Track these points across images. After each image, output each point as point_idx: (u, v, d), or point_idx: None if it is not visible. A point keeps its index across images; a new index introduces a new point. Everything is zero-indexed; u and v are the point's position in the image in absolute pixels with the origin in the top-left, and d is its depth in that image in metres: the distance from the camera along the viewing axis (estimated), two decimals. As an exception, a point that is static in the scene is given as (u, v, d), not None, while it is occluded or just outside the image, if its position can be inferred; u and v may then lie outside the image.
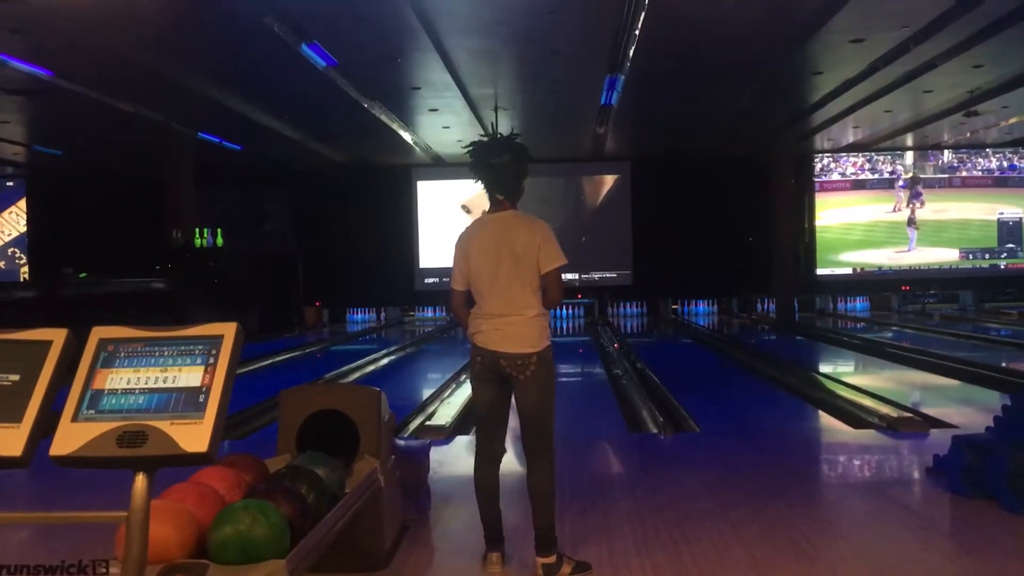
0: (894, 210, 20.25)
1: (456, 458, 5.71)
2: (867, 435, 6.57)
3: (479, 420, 3.80)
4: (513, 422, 3.77)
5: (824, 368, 11.86)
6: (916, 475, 5.32)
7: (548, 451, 3.63)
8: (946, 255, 20.21)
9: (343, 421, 3.79)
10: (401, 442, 4.64)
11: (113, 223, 19.47)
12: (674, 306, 21.05)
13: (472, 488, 3.77)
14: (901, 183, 20.26)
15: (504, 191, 3.65)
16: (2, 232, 21.04)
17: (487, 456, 3.72)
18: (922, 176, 20.28)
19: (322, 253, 20.23)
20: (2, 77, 10.80)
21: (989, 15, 9.37)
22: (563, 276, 3.63)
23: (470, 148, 3.71)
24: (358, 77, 11.79)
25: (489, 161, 3.63)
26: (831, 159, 20.36)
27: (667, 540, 4.01)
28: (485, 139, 3.70)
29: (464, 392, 8.77)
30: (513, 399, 3.67)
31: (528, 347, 3.53)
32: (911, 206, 20.18)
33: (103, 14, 8.82)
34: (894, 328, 16.79)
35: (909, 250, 20.21)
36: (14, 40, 9.65)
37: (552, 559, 3.58)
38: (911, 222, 20.19)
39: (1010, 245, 20.14)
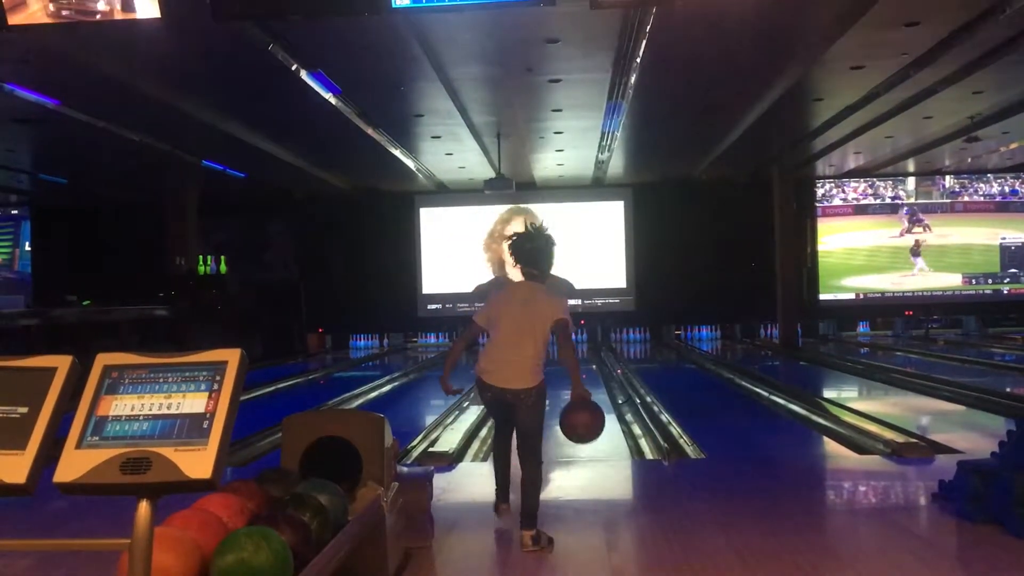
0: (900, 235, 20.29)
1: (459, 485, 5.70)
2: (872, 461, 6.54)
3: (495, 424, 4.94)
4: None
5: (828, 393, 11.81)
6: (922, 501, 5.29)
7: (538, 454, 4.58)
8: (949, 280, 20.20)
9: (346, 448, 3.78)
10: (404, 469, 4.63)
11: (117, 250, 19.52)
12: (677, 332, 21.02)
13: (475, 516, 4.30)
14: (906, 210, 20.30)
15: (537, 267, 4.70)
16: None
17: (503, 435, 4.80)
18: (924, 201, 20.33)
19: (325, 280, 20.26)
20: (9, 106, 10.88)
21: (988, 42, 9.43)
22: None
23: (513, 240, 4.76)
24: (362, 105, 11.87)
25: (526, 246, 4.69)
26: (833, 184, 20.41)
27: (670, 566, 3.98)
28: (521, 234, 4.74)
29: (467, 419, 8.76)
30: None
31: (528, 384, 4.47)
32: (914, 234, 20.21)
33: (110, 44, 8.90)
34: (898, 353, 16.75)
35: (914, 273, 20.19)
36: (22, 70, 9.74)
37: (534, 532, 4.36)
38: (915, 252, 20.20)
39: (1013, 270, 20.14)
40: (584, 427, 4.60)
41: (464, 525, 4.88)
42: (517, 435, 4.62)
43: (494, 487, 4.93)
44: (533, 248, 4.69)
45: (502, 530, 4.78)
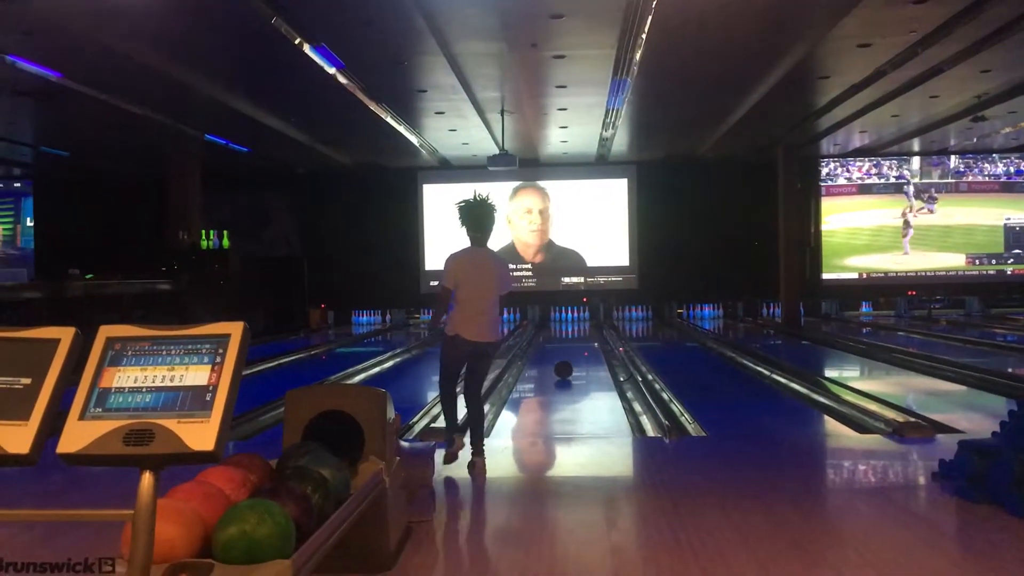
0: (913, 213, 20.23)
1: (461, 461, 5.70)
2: (873, 440, 6.55)
3: (449, 374, 5.61)
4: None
5: (830, 373, 11.83)
6: (922, 480, 5.30)
7: (481, 391, 5.68)
8: (952, 260, 20.17)
9: (349, 422, 3.79)
10: (406, 444, 4.65)
11: (119, 224, 19.52)
12: (679, 310, 21.02)
13: (477, 491, 4.33)
14: (918, 187, 20.23)
15: (481, 230, 5.53)
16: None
17: (454, 381, 5.62)
18: (928, 181, 20.27)
19: (328, 255, 20.26)
20: (12, 78, 10.84)
21: (997, 19, 9.35)
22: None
23: (461, 205, 5.54)
24: (365, 80, 11.82)
25: (473, 212, 5.49)
26: (838, 163, 20.33)
27: (671, 543, 4.00)
28: (469, 200, 5.54)
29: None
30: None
31: (496, 337, 5.54)
32: (919, 214, 20.18)
33: (112, 17, 8.85)
34: (900, 333, 16.75)
35: (906, 252, 20.20)
36: (24, 42, 9.69)
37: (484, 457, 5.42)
38: (907, 224, 20.19)
39: (1017, 250, 20.10)
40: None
41: (466, 500, 4.91)
42: (472, 378, 5.54)
43: (446, 426, 5.68)
44: (480, 214, 5.49)
45: (503, 506, 4.81)
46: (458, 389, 5.75)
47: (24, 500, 4.74)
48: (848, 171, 20.40)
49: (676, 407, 8.04)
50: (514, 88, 12.47)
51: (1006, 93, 13.04)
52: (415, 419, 7.67)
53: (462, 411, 5.74)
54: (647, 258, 20.44)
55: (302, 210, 20.89)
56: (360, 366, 12.03)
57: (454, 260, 5.47)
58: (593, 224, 20.47)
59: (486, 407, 8.24)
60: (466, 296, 5.36)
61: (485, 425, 7.51)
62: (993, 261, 20.17)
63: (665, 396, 8.71)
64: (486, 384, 9.45)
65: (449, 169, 19.91)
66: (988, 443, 4.74)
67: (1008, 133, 17.19)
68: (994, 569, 3.71)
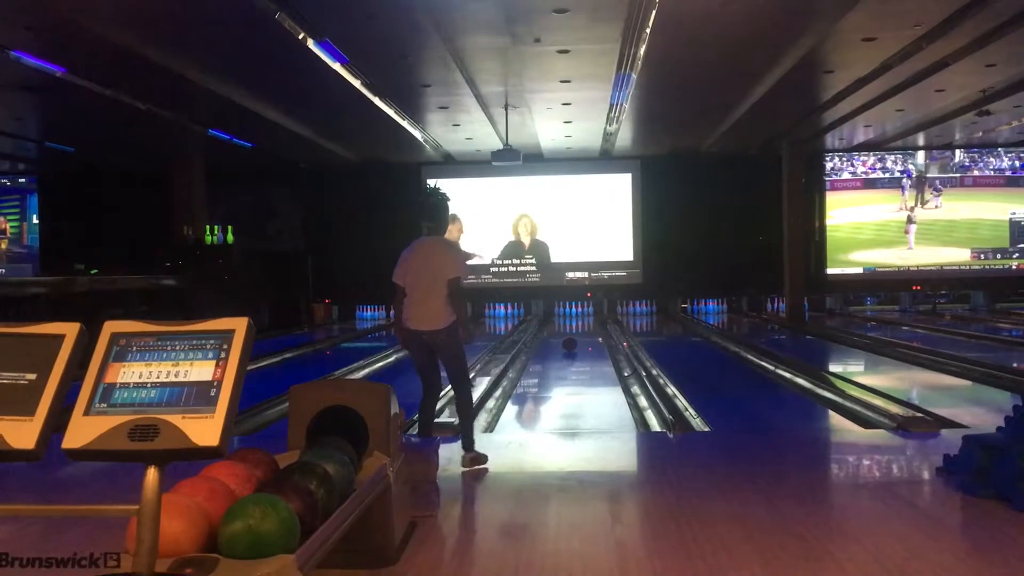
0: (921, 206, 20.19)
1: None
2: (877, 435, 6.55)
3: (419, 372, 5.60)
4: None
5: (834, 368, 11.82)
6: (926, 475, 5.30)
7: (465, 382, 5.60)
8: (957, 255, 20.12)
9: (353, 417, 3.79)
10: (410, 439, 4.65)
11: (124, 219, 19.53)
12: (684, 305, 21.01)
13: (481, 487, 4.40)
14: (926, 181, 20.18)
15: (434, 220, 5.61)
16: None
17: (430, 395, 5.62)
18: (933, 175, 20.21)
19: (332, 250, 20.25)
20: (16, 74, 10.85)
21: (1003, 13, 9.31)
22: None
23: (417, 199, 5.63)
24: (368, 75, 11.80)
25: (424, 202, 5.65)
26: (842, 158, 20.28)
27: (676, 538, 4.00)
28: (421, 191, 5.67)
29: (473, 392, 8.77)
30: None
31: (439, 324, 5.38)
32: (926, 209, 20.14)
33: (116, 11, 8.85)
34: (905, 328, 16.73)
35: (911, 247, 20.16)
36: (28, 37, 9.69)
37: (473, 454, 5.36)
38: (910, 220, 20.15)
39: (1022, 245, 20.04)
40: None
41: (469, 496, 4.91)
42: (444, 368, 5.56)
43: (419, 425, 5.74)
44: (431, 204, 5.61)
45: (507, 501, 4.81)
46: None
47: (29, 495, 4.75)
48: (853, 166, 20.35)
49: (680, 402, 8.04)
50: (517, 83, 12.44)
51: (1012, 87, 12.99)
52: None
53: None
54: (651, 253, 20.41)
55: (306, 205, 20.89)
56: (364, 361, 12.04)
57: (405, 255, 5.58)
58: (597, 219, 20.44)
59: (490, 403, 8.29)
60: (411, 285, 5.45)
61: (488, 420, 7.54)
62: (998, 256, 20.11)
63: (669, 391, 8.71)
64: (487, 380, 9.55)
65: (453, 164, 19.88)
66: (993, 438, 4.73)
67: (1014, 127, 17.13)
68: (998, 564, 3.70)
